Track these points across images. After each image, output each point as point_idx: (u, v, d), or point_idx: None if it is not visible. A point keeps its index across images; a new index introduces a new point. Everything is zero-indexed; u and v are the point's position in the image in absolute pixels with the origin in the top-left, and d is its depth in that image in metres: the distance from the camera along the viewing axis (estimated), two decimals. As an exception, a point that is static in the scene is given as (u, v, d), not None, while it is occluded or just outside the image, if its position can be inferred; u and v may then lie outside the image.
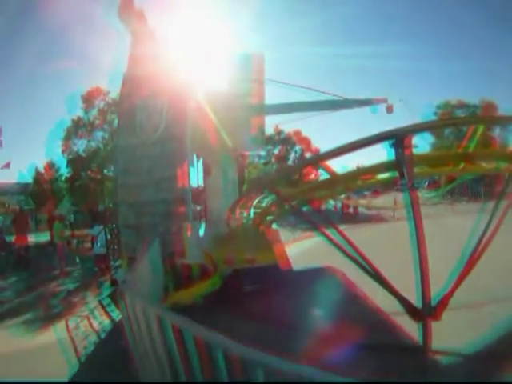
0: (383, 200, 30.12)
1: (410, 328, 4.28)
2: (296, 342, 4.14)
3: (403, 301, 3.64)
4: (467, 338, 4.91)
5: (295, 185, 8.10)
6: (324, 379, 2.25)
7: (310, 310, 6.58)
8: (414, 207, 3.56)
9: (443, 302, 3.52)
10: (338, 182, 5.66)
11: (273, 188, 5.11)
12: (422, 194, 29.20)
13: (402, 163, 3.62)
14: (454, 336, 5.09)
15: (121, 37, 10.40)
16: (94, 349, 6.78)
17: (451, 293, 3.59)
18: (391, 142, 3.63)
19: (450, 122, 9.74)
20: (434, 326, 3.58)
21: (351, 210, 30.32)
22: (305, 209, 5.76)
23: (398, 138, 3.57)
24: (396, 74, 64.08)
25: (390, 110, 11.90)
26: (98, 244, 13.35)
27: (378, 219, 24.69)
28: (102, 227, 13.35)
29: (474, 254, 3.95)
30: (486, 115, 29.91)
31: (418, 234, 3.47)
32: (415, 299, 3.54)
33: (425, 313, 3.44)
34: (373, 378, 2.72)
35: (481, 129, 4.80)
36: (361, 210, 29.81)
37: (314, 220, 4.93)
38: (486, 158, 5.74)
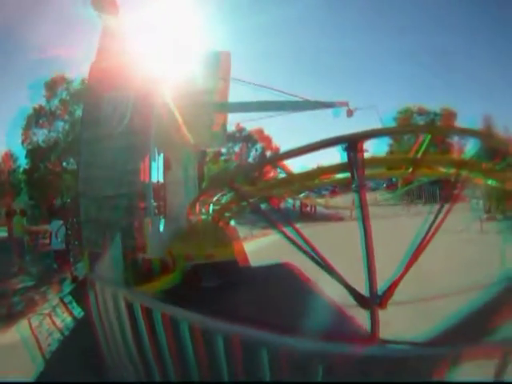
0: (341, 200, 30.72)
1: (361, 319, 4.61)
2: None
3: (353, 291, 3.95)
4: (416, 330, 5.33)
5: (254, 183, 8.30)
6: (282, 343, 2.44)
7: (268, 304, 6.82)
8: (363, 207, 3.87)
9: (389, 292, 3.85)
10: (294, 181, 5.89)
11: (232, 185, 5.25)
12: (380, 195, 30.07)
13: (353, 166, 3.92)
14: (403, 328, 5.49)
15: (92, 26, 10.24)
16: (59, 346, 6.73)
17: (396, 284, 3.93)
18: (344, 145, 3.91)
19: (404, 130, 10.17)
20: (384, 318, 3.87)
21: (309, 209, 30.79)
22: (263, 206, 5.93)
23: (351, 143, 3.87)
24: (361, 76, 65.01)
25: (350, 113, 12.16)
26: (58, 240, 12.94)
27: (336, 218, 25.17)
28: (61, 222, 13.08)
29: (417, 250, 4.31)
30: (441, 125, 31.02)
31: (366, 231, 3.79)
32: (364, 290, 3.83)
33: (372, 301, 3.74)
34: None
35: (429, 136, 5.17)
36: (319, 209, 30.25)
37: (272, 218, 5.13)
38: (434, 164, 6.17)
